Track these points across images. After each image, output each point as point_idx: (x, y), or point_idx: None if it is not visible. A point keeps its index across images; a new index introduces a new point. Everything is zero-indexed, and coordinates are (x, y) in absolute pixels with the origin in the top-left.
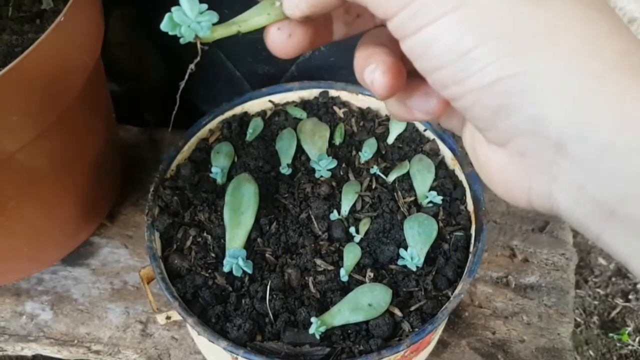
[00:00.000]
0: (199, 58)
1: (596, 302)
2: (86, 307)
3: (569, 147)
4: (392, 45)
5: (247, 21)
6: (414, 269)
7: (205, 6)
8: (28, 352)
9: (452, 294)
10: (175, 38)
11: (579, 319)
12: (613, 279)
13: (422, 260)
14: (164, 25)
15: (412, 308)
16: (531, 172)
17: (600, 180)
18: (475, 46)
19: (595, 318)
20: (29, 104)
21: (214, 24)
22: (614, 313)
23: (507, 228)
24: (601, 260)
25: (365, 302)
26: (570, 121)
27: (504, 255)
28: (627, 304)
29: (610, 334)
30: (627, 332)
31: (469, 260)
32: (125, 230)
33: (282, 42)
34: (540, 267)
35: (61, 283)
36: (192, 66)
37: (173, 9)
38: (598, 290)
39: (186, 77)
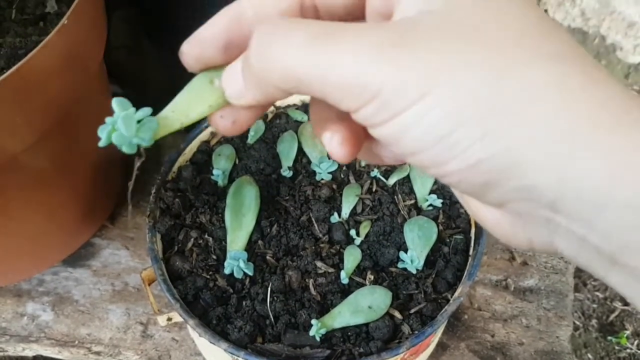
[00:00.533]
0: (143, 158)
1: (595, 305)
2: (87, 308)
3: (565, 208)
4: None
5: (188, 114)
6: (414, 272)
7: (141, 113)
8: (29, 353)
9: (451, 297)
10: (177, 39)
11: (577, 322)
12: None
13: (422, 263)
14: (103, 143)
15: (412, 310)
16: (529, 228)
17: (599, 234)
18: (450, 132)
19: (594, 321)
20: (32, 106)
21: (154, 129)
22: (612, 316)
23: None
24: None
25: (366, 305)
26: (560, 186)
27: (503, 258)
28: (626, 307)
29: (609, 337)
30: (625, 335)
31: (468, 263)
32: (126, 231)
33: (226, 127)
34: (539, 270)
35: (62, 284)
36: (136, 168)
37: (106, 127)
38: (597, 293)
39: (133, 178)
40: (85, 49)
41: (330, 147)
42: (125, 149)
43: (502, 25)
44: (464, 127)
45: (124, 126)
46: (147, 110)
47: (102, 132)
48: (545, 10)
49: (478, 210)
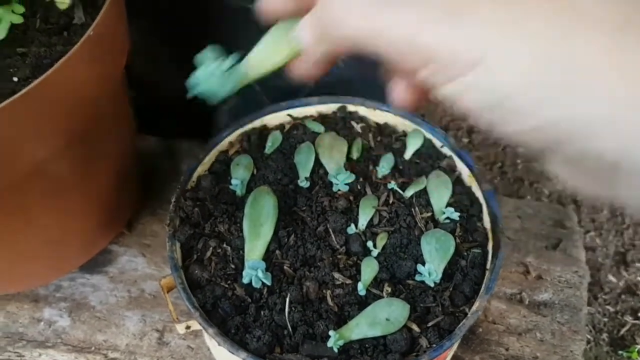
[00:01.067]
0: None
1: (606, 319)
2: (103, 315)
3: (626, 167)
4: None
5: (266, 65)
6: (432, 285)
7: (229, 62)
8: (45, 358)
9: (469, 310)
10: (190, 48)
11: (588, 336)
12: (623, 296)
13: (439, 276)
14: (192, 93)
15: (430, 324)
16: (594, 182)
17: None
18: (507, 97)
19: (604, 335)
20: (58, 115)
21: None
22: (623, 330)
23: (521, 245)
24: (611, 278)
25: (383, 317)
26: (623, 149)
27: (517, 271)
28: (637, 321)
29: (620, 352)
30: (636, 349)
31: (485, 277)
32: (143, 238)
33: (307, 71)
34: (553, 284)
35: (79, 290)
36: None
37: (198, 78)
38: (608, 307)
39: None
40: (109, 58)
41: (394, 93)
42: (213, 98)
43: None
44: (521, 94)
45: (215, 78)
46: (235, 57)
47: (194, 82)
48: None
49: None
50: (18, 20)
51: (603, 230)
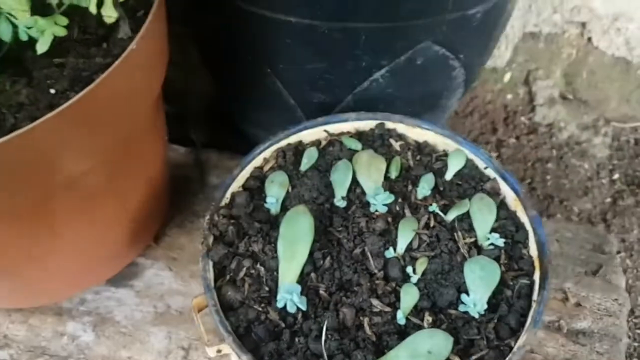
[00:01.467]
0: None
1: (636, 344)
2: (128, 330)
3: None
4: None
5: None
6: (476, 316)
7: None
8: None
9: (514, 344)
10: (226, 58)
11: None
12: None
13: (484, 306)
14: None
15: (473, 358)
16: None
17: None
18: None
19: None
20: (97, 130)
21: None
22: None
23: (560, 270)
24: None
25: (425, 349)
26: None
27: (556, 298)
28: None
29: None
30: None
31: (532, 309)
32: (170, 252)
33: None
34: (592, 312)
35: (104, 304)
36: None
37: None
38: (638, 331)
39: None
40: (151, 72)
41: None
42: None
43: None
44: None
45: None
46: None
47: None
48: (589, 39)
49: None
50: (62, 32)
51: (634, 251)
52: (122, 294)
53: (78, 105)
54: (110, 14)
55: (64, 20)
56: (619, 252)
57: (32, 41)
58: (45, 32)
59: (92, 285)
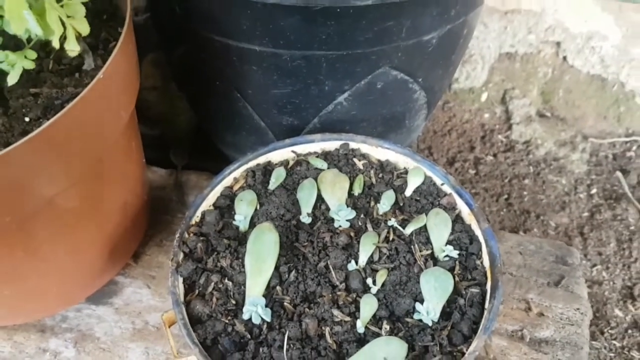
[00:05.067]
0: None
1: (612, 355)
2: (108, 346)
3: None
4: None
5: None
6: (430, 323)
7: None
8: None
9: (467, 350)
10: (200, 84)
11: None
12: (629, 331)
13: (437, 314)
14: None
15: None
16: None
17: None
18: None
19: None
20: (69, 154)
21: None
22: None
23: (523, 281)
24: (617, 312)
25: (381, 356)
26: None
27: (519, 308)
28: None
29: None
30: None
31: (484, 316)
32: (149, 270)
33: None
34: (555, 321)
35: (85, 321)
36: None
37: None
38: (614, 342)
39: None
40: (119, 99)
41: None
42: None
43: None
44: None
45: None
46: None
47: None
48: (565, 58)
49: None
50: (30, 65)
51: (610, 263)
52: (102, 311)
53: (48, 131)
54: (72, 48)
55: (33, 55)
56: (595, 265)
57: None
58: (16, 66)
59: (73, 303)
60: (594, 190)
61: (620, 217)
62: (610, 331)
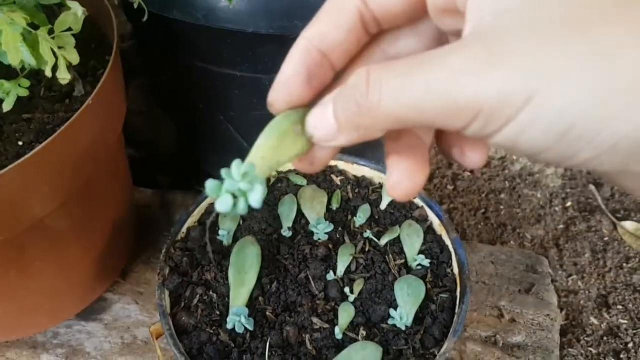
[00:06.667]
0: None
1: None
2: None
3: None
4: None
5: (278, 162)
6: (404, 328)
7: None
8: None
9: (438, 352)
10: (184, 107)
11: None
12: (605, 338)
13: (411, 320)
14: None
15: None
16: None
17: None
18: (570, 126)
19: None
20: (58, 176)
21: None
22: None
23: (495, 289)
24: (593, 320)
25: None
26: None
27: (492, 315)
28: None
29: None
30: None
31: (454, 320)
32: (137, 287)
33: (305, 168)
34: (526, 327)
35: (75, 337)
36: None
37: (225, 198)
38: (590, 349)
39: None
40: (107, 124)
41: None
42: (239, 212)
43: (589, 6)
44: (585, 118)
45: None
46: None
47: (221, 205)
48: None
49: (617, 178)
50: (24, 93)
51: (585, 273)
52: (92, 327)
53: (40, 154)
54: (64, 76)
55: (27, 83)
56: (570, 275)
57: (1, 101)
58: (10, 94)
59: (63, 320)
60: (569, 204)
61: (595, 229)
62: (586, 339)
